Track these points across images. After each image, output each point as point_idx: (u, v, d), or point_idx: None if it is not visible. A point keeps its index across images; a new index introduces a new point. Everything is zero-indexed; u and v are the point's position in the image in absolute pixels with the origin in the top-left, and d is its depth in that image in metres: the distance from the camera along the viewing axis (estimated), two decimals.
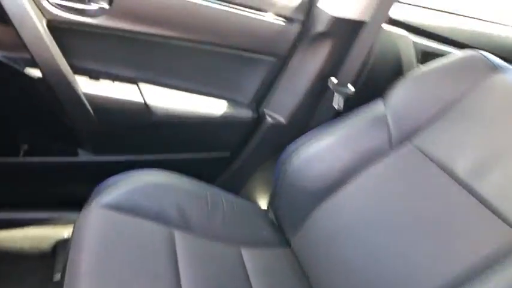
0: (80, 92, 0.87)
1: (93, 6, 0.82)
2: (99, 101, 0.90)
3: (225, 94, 1.05)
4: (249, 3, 0.94)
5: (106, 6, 0.82)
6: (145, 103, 0.93)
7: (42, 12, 0.77)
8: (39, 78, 0.83)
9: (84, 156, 1.02)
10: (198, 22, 0.91)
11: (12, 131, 0.99)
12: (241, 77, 1.04)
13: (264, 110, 1.08)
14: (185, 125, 1.02)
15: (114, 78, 0.94)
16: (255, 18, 0.93)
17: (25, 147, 1.01)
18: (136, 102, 0.92)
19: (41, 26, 0.76)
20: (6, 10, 0.72)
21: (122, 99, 0.91)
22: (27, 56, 0.78)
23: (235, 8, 0.92)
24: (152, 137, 1.03)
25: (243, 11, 0.93)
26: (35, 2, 0.75)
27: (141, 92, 0.93)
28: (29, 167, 1.00)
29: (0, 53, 0.81)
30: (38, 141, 1.00)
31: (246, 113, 1.07)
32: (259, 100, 1.08)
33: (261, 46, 0.99)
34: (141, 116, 0.94)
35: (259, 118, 1.08)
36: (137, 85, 0.95)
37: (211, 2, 0.89)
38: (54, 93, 0.84)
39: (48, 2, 0.78)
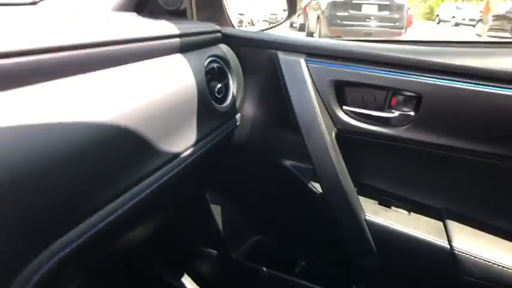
0: (362, 218, 0.72)
1: (395, 114, 0.68)
2: (386, 234, 0.72)
3: None
4: None
5: (411, 113, 0.66)
6: (451, 249, 0.67)
7: (333, 122, 0.72)
8: (319, 193, 0.75)
9: None
10: None
11: (292, 245, 0.96)
12: None
13: None
14: None
15: (411, 207, 0.74)
16: None
17: (302, 264, 0.95)
18: (438, 245, 0.68)
19: (329, 137, 0.70)
20: (298, 119, 0.71)
21: (416, 238, 0.70)
22: (311, 167, 0.73)
23: None
24: None
25: None
26: (328, 111, 0.71)
27: (447, 232, 0.69)
28: None
29: (289, 162, 0.80)
30: (313, 263, 0.91)
31: None
32: None
33: None
34: (442, 268, 0.69)
35: None
36: (443, 221, 0.71)
37: None
38: (333, 213, 0.74)
39: (342, 110, 0.72)
